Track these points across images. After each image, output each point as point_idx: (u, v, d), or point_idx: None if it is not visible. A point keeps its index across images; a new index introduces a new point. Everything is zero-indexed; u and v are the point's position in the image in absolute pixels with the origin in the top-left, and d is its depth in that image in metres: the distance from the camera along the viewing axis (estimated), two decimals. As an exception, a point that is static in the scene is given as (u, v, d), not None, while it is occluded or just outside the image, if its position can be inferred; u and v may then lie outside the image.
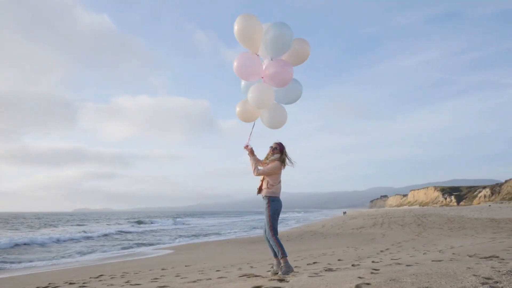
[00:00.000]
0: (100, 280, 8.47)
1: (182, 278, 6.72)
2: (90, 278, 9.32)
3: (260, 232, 31.34)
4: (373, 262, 6.36)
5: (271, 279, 4.04)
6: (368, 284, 3.28)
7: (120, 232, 32.94)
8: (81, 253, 18.27)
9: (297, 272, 5.14)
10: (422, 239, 15.93)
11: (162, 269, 10.16)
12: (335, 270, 4.66)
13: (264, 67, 5.19)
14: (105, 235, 29.40)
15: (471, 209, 53.19)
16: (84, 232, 31.17)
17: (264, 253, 13.62)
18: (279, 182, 5.47)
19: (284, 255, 5.27)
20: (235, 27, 5.03)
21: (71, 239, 25.22)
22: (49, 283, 8.55)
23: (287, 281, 3.73)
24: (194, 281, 5.55)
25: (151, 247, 20.95)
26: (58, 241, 23.75)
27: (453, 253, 7.33)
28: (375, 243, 15.38)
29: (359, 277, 3.58)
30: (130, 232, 33.23)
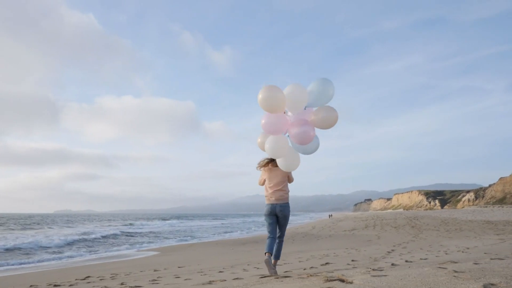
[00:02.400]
0: (89, 282, 7.63)
1: (186, 280, 5.96)
2: (76, 280, 8.47)
3: (248, 234, 30.74)
4: (407, 261, 5.69)
5: (329, 280, 3.31)
6: (492, 284, 2.60)
7: (124, 233, 31.75)
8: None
9: (337, 272, 4.39)
10: (422, 240, 15.40)
11: (155, 271, 9.36)
12: (385, 269, 3.96)
13: (289, 122, 5.43)
14: (104, 236, 28.20)
15: (463, 212, 53.23)
16: (80, 234, 29.82)
17: (258, 255, 12.91)
18: (269, 188, 5.68)
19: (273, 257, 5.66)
20: (259, 97, 5.17)
21: (76, 241, 23.96)
22: (31, 285, 7.69)
23: (351, 282, 3.02)
24: (209, 283, 4.79)
25: (135, 249, 20.02)
26: (66, 243, 22.41)
27: (485, 253, 6.72)
28: (374, 245, 14.79)
29: (455, 276, 2.90)
30: (130, 233, 31.98)
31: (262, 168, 5.83)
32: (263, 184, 5.83)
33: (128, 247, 21.06)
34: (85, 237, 26.84)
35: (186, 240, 25.26)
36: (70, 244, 22.60)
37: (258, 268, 7.36)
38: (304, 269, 6.03)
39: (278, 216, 5.66)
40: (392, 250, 11.06)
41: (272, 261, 5.56)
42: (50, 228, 42.76)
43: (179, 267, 9.90)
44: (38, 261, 15.12)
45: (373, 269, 4.01)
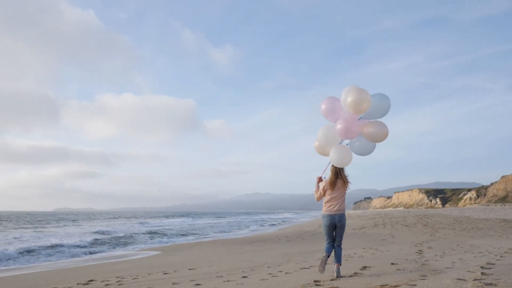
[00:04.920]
0: (93, 288, 6.72)
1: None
2: (78, 284, 7.58)
3: (252, 233, 29.91)
4: (483, 268, 4.80)
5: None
6: None
7: (148, 231, 30.57)
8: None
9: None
10: (443, 239, 14.55)
11: (164, 273, 8.46)
12: (498, 285, 3.09)
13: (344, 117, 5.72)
14: (133, 234, 26.89)
15: (473, 210, 52.23)
16: (104, 232, 28.66)
17: (272, 255, 12.05)
18: (330, 199, 5.91)
19: (335, 261, 5.80)
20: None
21: (104, 239, 22.76)
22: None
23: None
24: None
25: (133, 249, 18.97)
26: (97, 241, 21.38)
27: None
28: (391, 244, 13.92)
29: None
30: (153, 231, 30.68)
31: (327, 180, 6.01)
32: (322, 196, 6.07)
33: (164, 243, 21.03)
34: (114, 235, 25.74)
35: (186, 239, 24.33)
36: (101, 242, 21.44)
37: (287, 273, 6.46)
38: (350, 276, 5.14)
39: (336, 226, 5.92)
40: (420, 251, 10.21)
41: (335, 265, 5.73)
42: (65, 226, 41.84)
43: (190, 269, 9.01)
44: (38, 262, 14.21)
45: (486, 284, 3.15)
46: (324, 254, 5.78)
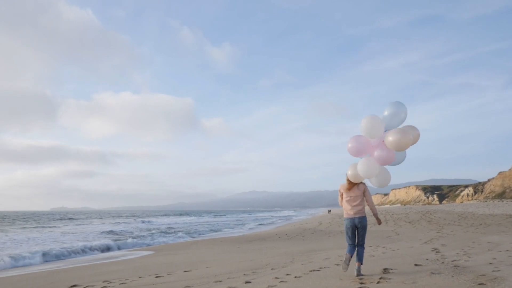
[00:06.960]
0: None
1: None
2: (58, 290, 6.71)
3: (251, 231, 29.08)
4: None
5: None
6: None
7: (158, 230, 29.56)
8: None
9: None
10: (452, 236, 13.77)
11: (157, 277, 7.59)
12: None
13: (373, 145, 5.95)
14: (143, 233, 26.02)
15: (476, 206, 51.69)
16: (111, 232, 27.73)
17: (273, 254, 11.23)
18: (346, 202, 6.11)
19: (356, 260, 5.91)
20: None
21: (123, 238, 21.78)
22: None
23: None
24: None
25: (127, 249, 17.98)
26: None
27: None
28: (399, 241, 13.11)
29: None
30: (163, 230, 29.69)
31: (341, 185, 6.30)
32: (342, 200, 6.30)
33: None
34: (126, 234, 24.82)
35: (182, 238, 23.42)
36: (117, 241, 20.32)
37: (296, 277, 5.61)
38: (378, 282, 4.30)
39: (357, 227, 6.08)
40: (435, 249, 9.41)
41: (356, 264, 5.83)
42: (76, 225, 40.88)
43: (185, 271, 8.15)
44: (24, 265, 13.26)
45: None
46: (346, 255, 5.88)
